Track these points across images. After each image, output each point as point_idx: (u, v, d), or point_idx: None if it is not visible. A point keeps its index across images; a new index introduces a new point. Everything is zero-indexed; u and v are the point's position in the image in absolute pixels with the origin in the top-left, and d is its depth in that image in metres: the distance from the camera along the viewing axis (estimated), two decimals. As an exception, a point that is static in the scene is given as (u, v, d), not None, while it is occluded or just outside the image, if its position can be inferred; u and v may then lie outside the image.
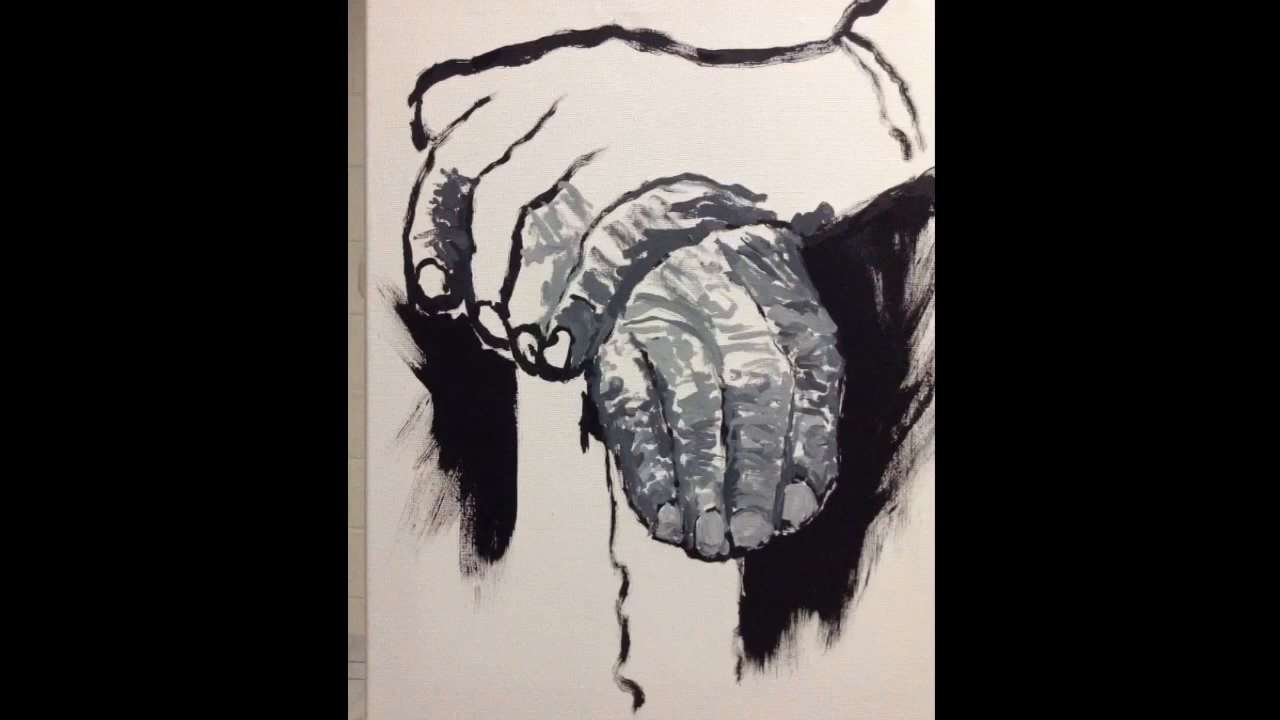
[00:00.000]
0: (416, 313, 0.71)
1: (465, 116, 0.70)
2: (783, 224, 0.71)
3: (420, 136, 0.70)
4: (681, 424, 0.71)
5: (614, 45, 0.70)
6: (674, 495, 0.72)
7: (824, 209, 0.71)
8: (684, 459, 0.71)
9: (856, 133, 0.71)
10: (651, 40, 0.70)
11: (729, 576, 0.72)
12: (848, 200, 0.71)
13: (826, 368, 0.71)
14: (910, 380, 0.72)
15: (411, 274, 0.71)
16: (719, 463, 0.72)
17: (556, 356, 0.71)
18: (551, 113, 0.70)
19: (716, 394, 0.71)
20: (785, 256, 0.71)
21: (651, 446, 0.72)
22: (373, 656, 0.72)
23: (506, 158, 0.70)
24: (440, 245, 0.71)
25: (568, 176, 0.70)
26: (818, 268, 0.71)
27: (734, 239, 0.71)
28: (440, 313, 0.71)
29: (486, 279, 0.71)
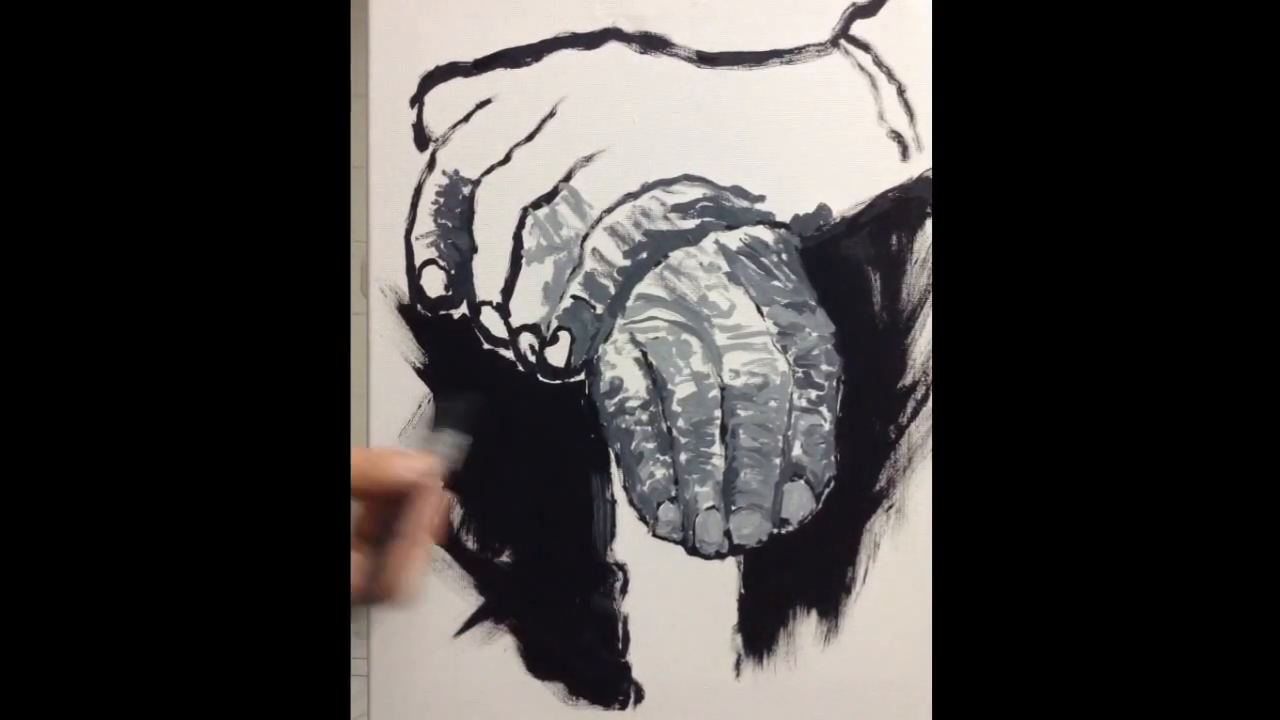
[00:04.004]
0: (418, 313, 0.71)
1: (466, 118, 0.71)
2: (781, 225, 0.71)
3: (422, 138, 0.71)
4: (681, 423, 0.72)
5: (614, 48, 0.71)
6: (673, 493, 0.72)
7: (822, 210, 0.71)
8: (683, 457, 0.72)
9: (854, 134, 0.71)
10: (651, 43, 0.71)
11: (728, 574, 0.73)
12: (846, 201, 0.71)
13: (824, 367, 0.72)
14: (907, 379, 0.72)
15: (413, 274, 0.71)
16: (718, 461, 0.72)
17: (557, 356, 0.72)
18: (552, 114, 0.71)
19: (715, 393, 0.72)
20: (784, 257, 0.72)
21: (651, 445, 0.72)
22: (375, 654, 0.72)
23: (507, 159, 0.71)
24: (442, 246, 0.71)
25: (568, 178, 0.71)
26: (816, 268, 0.72)
27: (733, 239, 0.71)
28: (442, 313, 0.71)
29: (488, 279, 0.71)
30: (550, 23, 0.70)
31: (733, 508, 0.72)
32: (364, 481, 0.51)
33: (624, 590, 0.73)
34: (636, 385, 0.72)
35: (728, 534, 0.72)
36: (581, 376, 0.72)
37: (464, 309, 0.71)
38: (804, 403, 0.72)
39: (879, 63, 0.71)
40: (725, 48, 0.71)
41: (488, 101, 0.71)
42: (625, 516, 0.73)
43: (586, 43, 0.71)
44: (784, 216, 0.71)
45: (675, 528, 0.73)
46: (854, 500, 0.73)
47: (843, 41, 0.71)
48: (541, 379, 0.72)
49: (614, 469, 0.72)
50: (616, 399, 0.72)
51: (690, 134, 0.71)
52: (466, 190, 0.71)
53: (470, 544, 0.73)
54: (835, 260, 0.72)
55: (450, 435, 0.60)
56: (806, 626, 0.73)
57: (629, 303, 0.71)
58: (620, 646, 0.73)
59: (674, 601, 0.73)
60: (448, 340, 0.71)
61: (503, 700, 0.72)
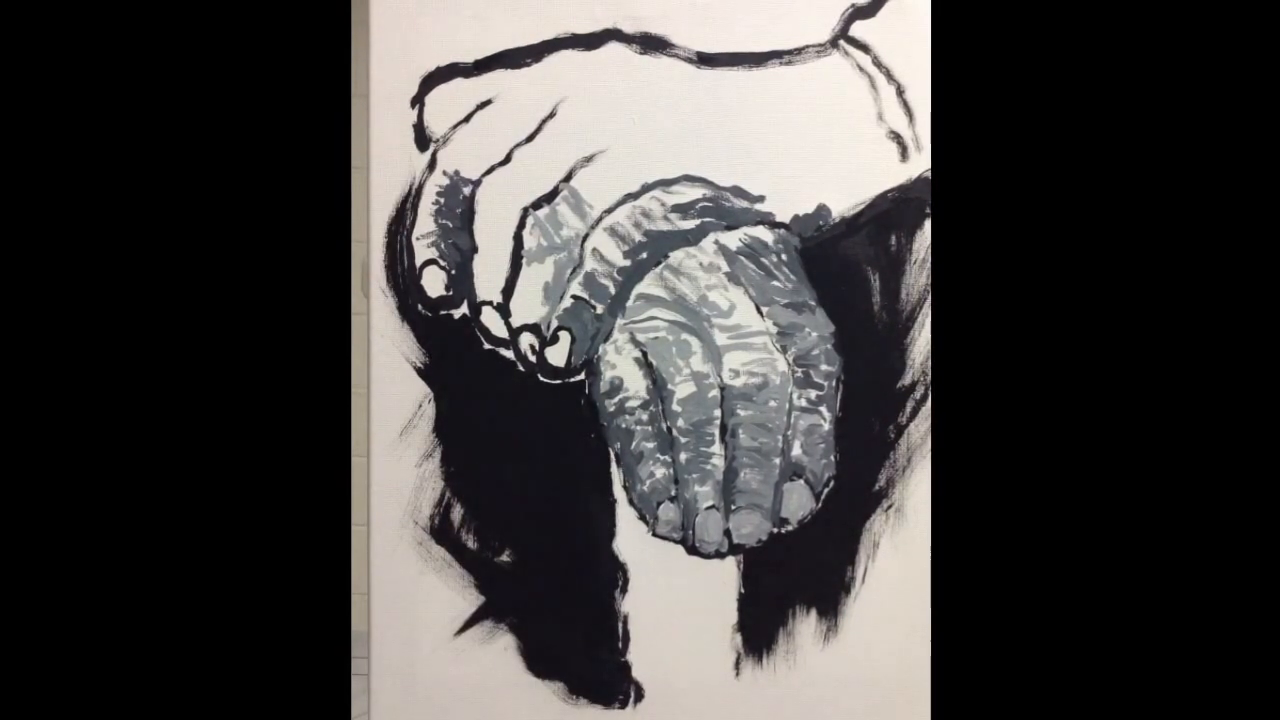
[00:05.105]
0: (418, 313, 0.72)
1: (467, 119, 0.71)
2: (781, 225, 0.72)
3: (422, 139, 0.71)
4: (681, 422, 0.72)
5: (614, 48, 0.71)
6: (673, 493, 0.72)
7: (822, 210, 0.72)
8: (683, 457, 0.72)
9: (853, 135, 0.71)
10: (651, 43, 0.71)
11: (728, 573, 0.73)
12: (845, 202, 0.72)
13: (824, 367, 0.72)
14: (907, 379, 0.72)
15: (413, 274, 0.71)
16: (718, 461, 0.72)
17: (557, 356, 0.72)
18: (552, 115, 0.71)
19: (715, 393, 0.72)
20: (783, 257, 0.72)
21: (651, 445, 0.72)
22: (375, 653, 0.72)
23: (508, 159, 0.71)
24: (442, 246, 0.71)
25: (568, 178, 0.71)
26: (815, 268, 0.72)
27: (733, 240, 0.72)
28: (442, 313, 0.72)
29: (488, 279, 0.71)
30: (550, 23, 0.71)
31: (732, 507, 0.72)
32: None
33: (624, 590, 0.73)
34: (636, 385, 0.72)
35: (727, 533, 0.73)
36: (581, 376, 0.72)
37: (464, 309, 0.71)
38: (803, 402, 0.72)
39: (878, 63, 0.71)
40: (725, 48, 0.71)
41: (488, 102, 0.71)
42: (625, 516, 0.73)
43: (587, 43, 0.71)
44: (783, 217, 0.72)
45: (675, 527, 0.73)
46: (853, 500, 0.73)
47: (842, 42, 0.71)
48: (541, 379, 0.72)
49: (614, 469, 0.73)
50: (616, 399, 0.72)
51: (690, 134, 0.71)
52: (467, 190, 0.71)
53: (470, 544, 0.73)
54: (835, 260, 0.72)
55: None
56: (806, 626, 0.73)
57: (629, 303, 0.72)
58: (620, 646, 0.73)
59: (674, 601, 0.73)
60: (448, 340, 0.72)
61: (503, 700, 0.72)
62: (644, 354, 0.72)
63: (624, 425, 0.72)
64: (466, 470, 0.72)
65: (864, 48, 0.71)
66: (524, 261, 0.71)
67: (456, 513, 0.73)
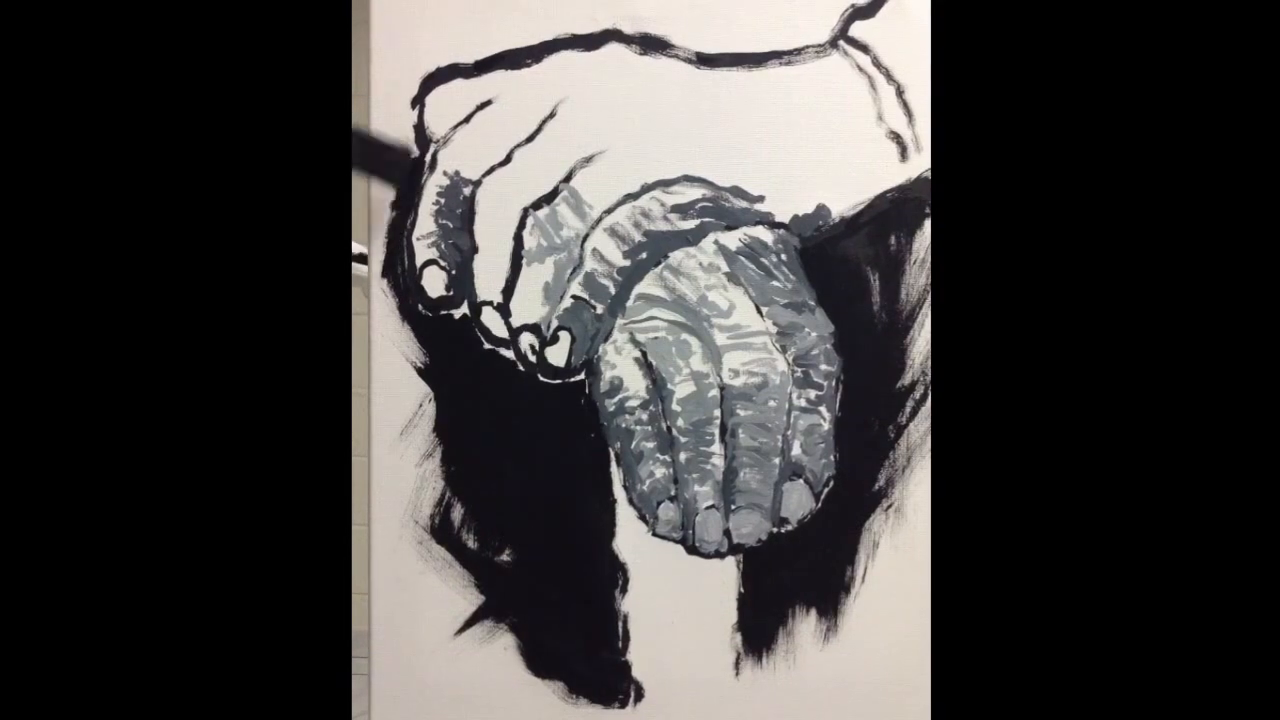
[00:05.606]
0: (419, 313, 0.72)
1: (467, 119, 0.71)
2: (780, 225, 0.72)
3: (423, 139, 0.71)
4: (680, 422, 0.72)
5: (614, 49, 0.71)
6: (673, 493, 0.73)
7: (821, 210, 0.72)
8: (683, 457, 0.72)
9: (853, 135, 0.71)
10: (651, 44, 0.71)
11: (727, 573, 0.73)
12: (845, 202, 0.72)
13: (824, 367, 0.72)
14: (906, 379, 0.73)
15: (414, 274, 0.72)
16: (718, 460, 0.72)
17: (557, 356, 0.72)
18: (552, 115, 0.71)
19: (715, 393, 0.72)
20: (783, 257, 0.72)
21: (651, 444, 0.72)
22: (375, 653, 0.72)
23: (508, 160, 0.71)
24: (443, 246, 0.71)
25: (568, 178, 0.71)
26: (815, 268, 0.72)
27: (732, 240, 0.72)
28: (443, 313, 0.72)
29: (488, 279, 0.71)
30: (551, 24, 0.71)
31: (732, 507, 0.72)
32: None
33: (624, 589, 0.73)
34: (636, 385, 0.72)
35: (727, 533, 0.73)
36: (581, 376, 0.72)
37: (465, 309, 0.72)
38: (803, 402, 0.72)
39: (878, 64, 0.71)
40: (725, 49, 0.71)
41: (488, 102, 0.71)
42: (625, 516, 0.73)
43: (587, 44, 0.71)
44: (783, 217, 0.72)
45: (675, 527, 0.73)
46: (853, 499, 0.73)
47: (842, 43, 0.71)
48: (541, 379, 0.72)
49: (614, 469, 0.73)
50: (616, 399, 0.72)
51: (690, 134, 0.71)
52: (467, 191, 0.71)
53: (470, 544, 0.73)
54: (834, 260, 0.72)
55: None
56: (806, 625, 0.73)
57: (629, 303, 0.72)
58: (620, 646, 0.73)
59: (674, 601, 0.73)
60: (448, 340, 0.72)
61: (503, 700, 0.72)
62: (644, 354, 0.72)
63: (624, 425, 0.72)
64: (466, 470, 0.73)
65: (864, 48, 0.71)
66: (524, 261, 0.71)
67: (456, 513, 0.73)
